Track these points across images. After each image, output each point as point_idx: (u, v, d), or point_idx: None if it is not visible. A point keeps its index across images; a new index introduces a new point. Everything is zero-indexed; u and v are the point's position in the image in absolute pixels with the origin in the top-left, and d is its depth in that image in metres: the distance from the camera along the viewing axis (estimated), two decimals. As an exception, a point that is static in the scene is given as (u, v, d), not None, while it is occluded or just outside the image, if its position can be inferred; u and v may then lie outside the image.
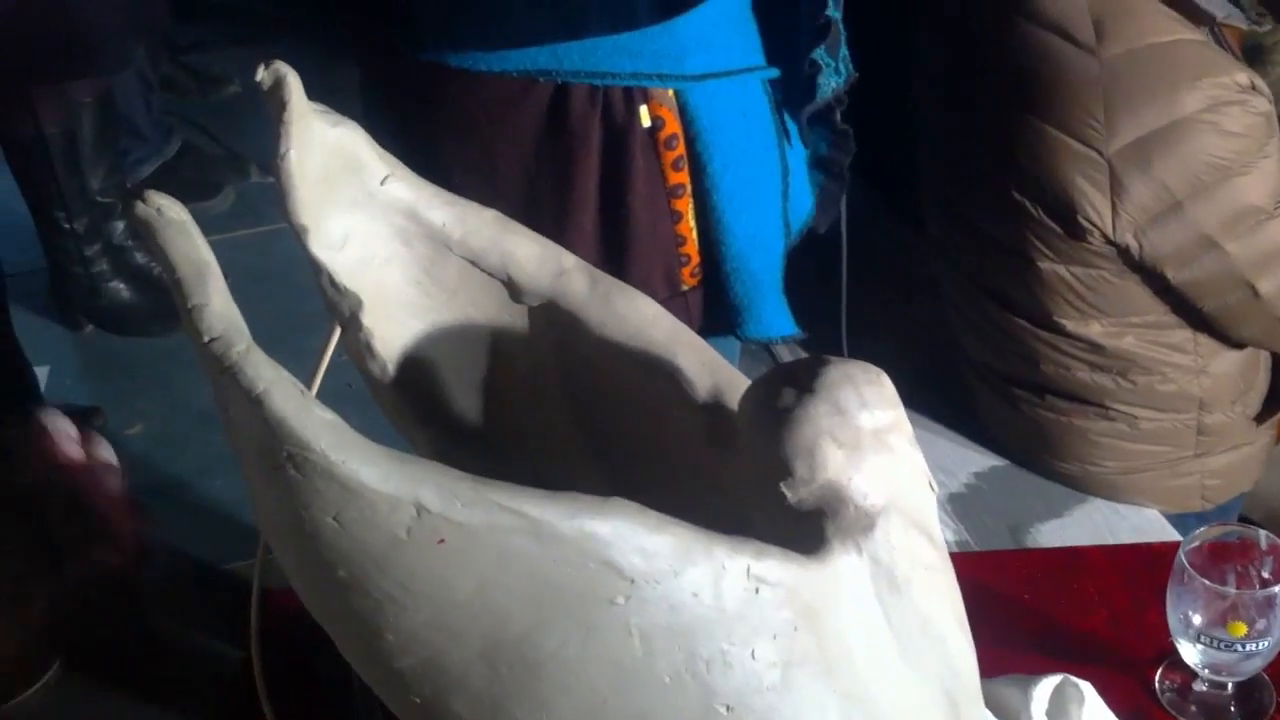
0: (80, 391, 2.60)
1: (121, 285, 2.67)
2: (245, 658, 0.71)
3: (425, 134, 1.29)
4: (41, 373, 2.46)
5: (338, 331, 0.66)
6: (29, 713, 2.08)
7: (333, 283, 0.65)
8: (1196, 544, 0.95)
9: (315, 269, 0.64)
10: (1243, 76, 1.62)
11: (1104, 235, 1.67)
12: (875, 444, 0.62)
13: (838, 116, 1.36)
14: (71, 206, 2.52)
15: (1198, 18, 1.69)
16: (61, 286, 2.70)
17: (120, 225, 2.64)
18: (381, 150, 0.68)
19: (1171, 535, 1.82)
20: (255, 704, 0.72)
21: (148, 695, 2.07)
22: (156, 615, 2.09)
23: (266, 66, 0.62)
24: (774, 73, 1.32)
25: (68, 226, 2.55)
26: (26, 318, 2.56)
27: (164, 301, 2.76)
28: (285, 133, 0.61)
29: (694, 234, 1.32)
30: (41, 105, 2.38)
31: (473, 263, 0.70)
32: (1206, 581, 0.92)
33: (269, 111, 0.62)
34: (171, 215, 0.55)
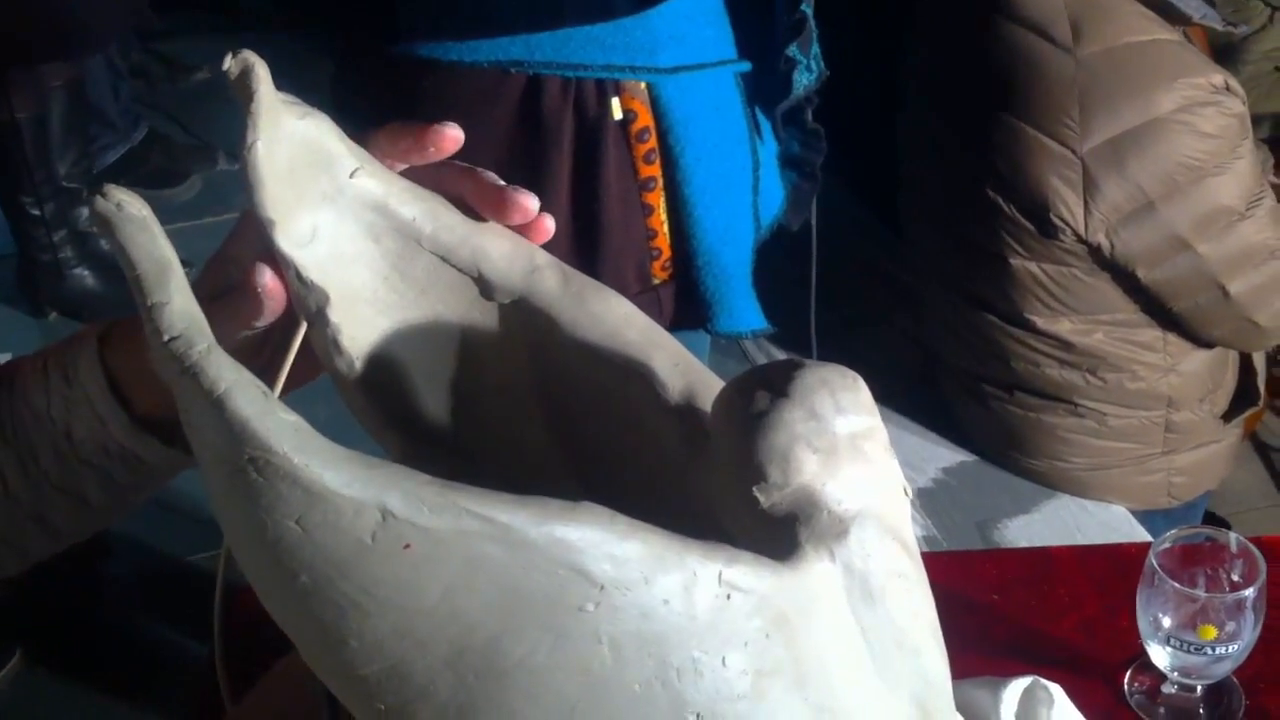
0: (43, 379, 2.57)
1: (86, 272, 2.66)
2: (210, 653, 0.70)
3: None
4: (3, 360, 2.44)
5: (303, 328, 0.65)
6: (-10, 699, 2.05)
7: (300, 278, 0.64)
8: (1167, 546, 0.95)
9: (283, 264, 0.63)
10: (1218, 78, 1.63)
11: (1076, 234, 1.67)
12: (850, 450, 0.62)
13: (809, 115, 1.35)
14: (40, 192, 2.50)
15: (1173, 18, 1.69)
16: (27, 273, 2.68)
17: (86, 212, 2.62)
18: (351, 143, 0.67)
19: (1139, 532, 1.83)
20: (219, 697, 0.70)
21: (110, 686, 2.07)
22: (120, 606, 2.08)
23: (234, 55, 0.61)
24: (746, 66, 1.31)
25: (35, 213, 2.53)
26: (-11, 304, 2.54)
27: (128, 290, 2.75)
28: (253, 123, 0.60)
29: (665, 228, 1.31)
30: (15, 89, 2.35)
31: (443, 259, 0.68)
32: (1176, 584, 0.92)
33: (237, 101, 0.60)
34: (131, 211, 0.54)
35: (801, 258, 1.48)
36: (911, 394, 1.98)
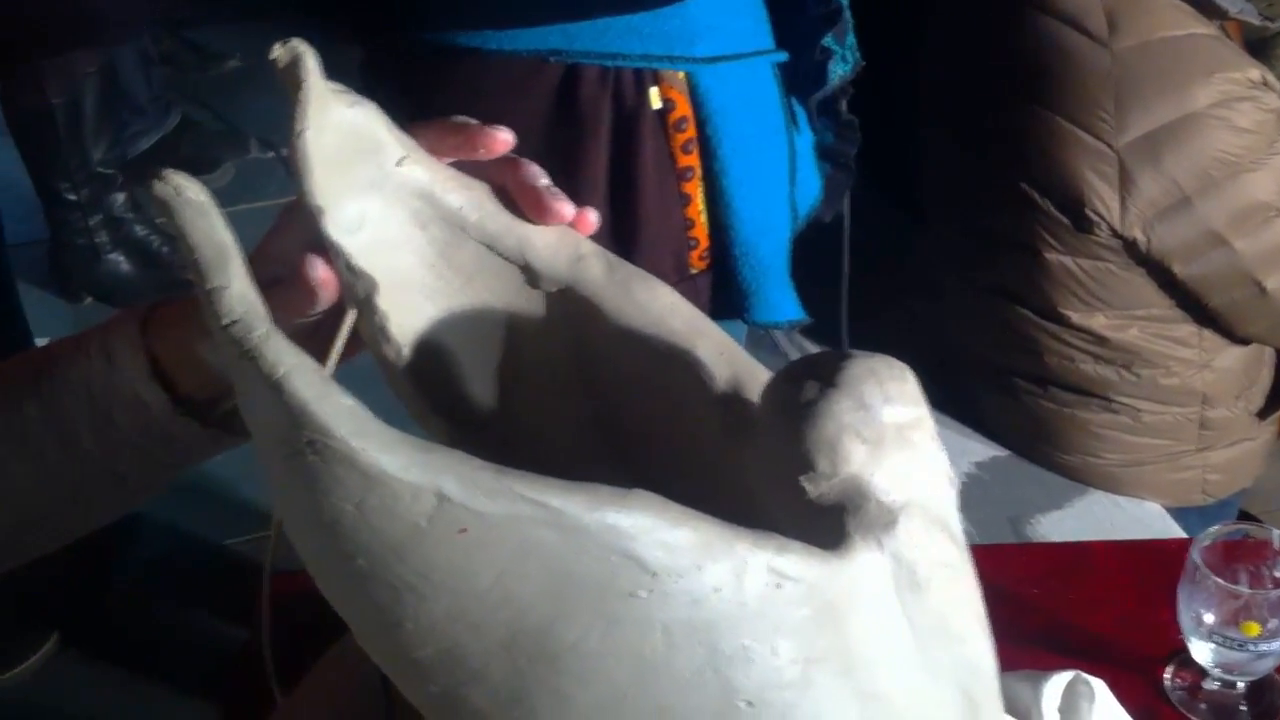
0: (77, 364, 2.58)
1: (120, 257, 2.67)
2: (251, 639, 0.71)
3: (431, 117, 1.28)
4: (39, 345, 2.46)
5: (352, 315, 0.65)
6: (25, 684, 2.08)
7: (349, 265, 0.64)
8: (1209, 542, 0.95)
9: (332, 251, 0.63)
10: (1255, 72, 1.62)
11: (1111, 228, 1.66)
12: (898, 440, 0.62)
13: (843, 106, 1.35)
14: (74, 177, 2.52)
15: (1210, 12, 1.68)
16: (61, 258, 2.69)
17: (121, 197, 2.64)
18: (399, 131, 0.67)
19: (1172, 528, 1.82)
20: (255, 682, 0.71)
21: (145, 669, 2.08)
22: (153, 591, 2.09)
23: (283, 44, 0.61)
24: (783, 56, 1.31)
25: (71, 198, 2.54)
26: (25, 288, 2.55)
27: (162, 275, 2.77)
28: (301, 111, 0.60)
29: (703, 217, 1.31)
30: (48, 75, 2.37)
31: (489, 247, 0.69)
32: (1220, 580, 0.92)
33: (284, 90, 0.61)
34: (190, 195, 0.54)
35: (830, 247, 1.48)
36: (943, 388, 1.97)
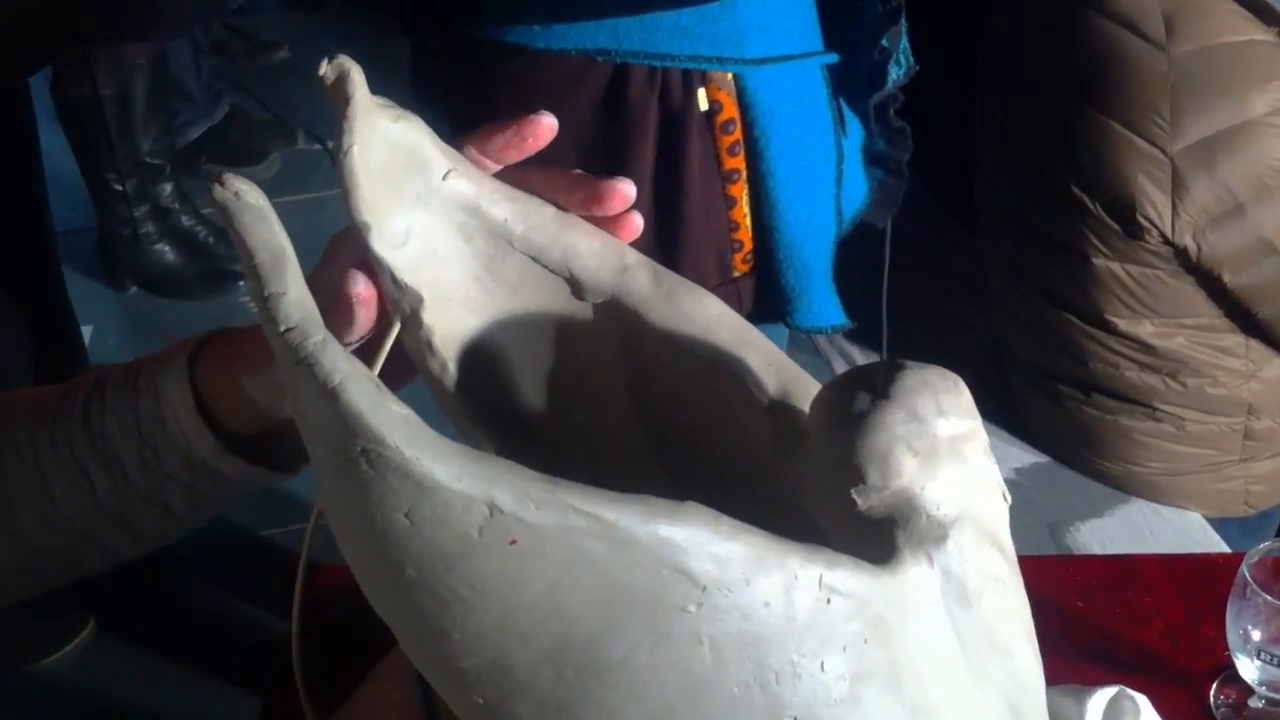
0: (122, 351, 2.62)
1: (166, 248, 2.69)
2: (285, 628, 0.71)
3: (479, 112, 1.28)
4: (85, 332, 2.48)
5: (396, 327, 0.65)
6: (61, 671, 2.10)
7: (394, 280, 0.64)
8: (1259, 558, 0.94)
9: (378, 266, 0.64)
10: (1313, 80, 1.60)
11: (1162, 235, 1.65)
12: (950, 453, 0.61)
13: (893, 112, 1.34)
14: (122, 167, 2.53)
15: (1268, 18, 1.66)
16: (108, 246, 2.71)
17: (168, 187, 2.65)
18: (444, 145, 0.67)
19: (1214, 539, 1.80)
20: (289, 672, 0.71)
21: (180, 657, 2.08)
22: (191, 579, 2.10)
23: (330, 60, 0.61)
24: (833, 58, 1.30)
25: (118, 188, 2.56)
26: (71, 276, 2.57)
27: (207, 265, 2.79)
28: (349, 128, 0.60)
29: (748, 220, 1.31)
30: (99, 66, 2.38)
31: (534, 259, 0.69)
32: (1268, 597, 0.91)
33: (331, 107, 0.61)
34: (249, 200, 0.54)
35: (875, 248, 1.47)
36: (984, 392, 1.95)
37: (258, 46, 3.47)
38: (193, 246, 2.69)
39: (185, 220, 2.70)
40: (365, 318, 0.64)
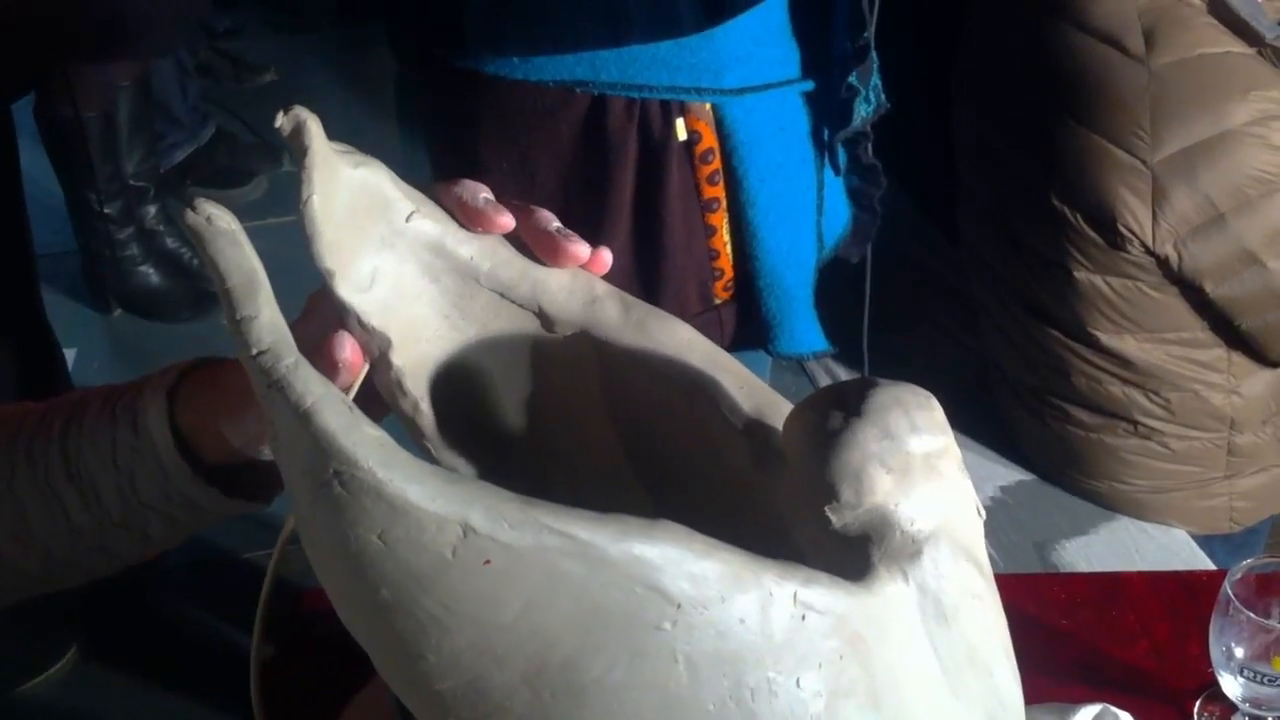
0: (107, 374, 2.60)
1: (151, 270, 2.68)
2: (269, 651, 0.71)
3: (461, 140, 1.29)
4: (69, 355, 2.47)
5: (364, 369, 0.65)
6: (46, 695, 2.08)
7: (360, 323, 0.65)
8: (1241, 575, 0.94)
9: (342, 311, 0.64)
10: (1292, 92, 1.61)
11: (1144, 245, 1.66)
12: (924, 469, 0.61)
13: (867, 149, 1.34)
14: (105, 189, 2.53)
15: (1247, 37, 1.67)
16: (92, 269, 2.70)
17: (153, 210, 2.65)
18: (406, 186, 0.67)
19: (1199, 556, 1.81)
20: (279, 697, 0.71)
21: (164, 683, 2.07)
22: (174, 603, 2.08)
23: (285, 112, 0.61)
24: (809, 85, 1.30)
25: (100, 210, 2.55)
26: (56, 299, 2.56)
27: (193, 287, 2.79)
28: (307, 178, 0.61)
29: (728, 248, 1.31)
30: (81, 87, 2.37)
31: (502, 295, 0.69)
32: (1251, 614, 0.91)
33: (291, 157, 0.61)
34: (221, 225, 0.55)
35: (861, 267, 1.47)
36: (969, 411, 1.96)
37: (244, 69, 3.47)
38: (178, 269, 2.69)
39: (170, 243, 2.69)
40: (344, 382, 0.64)
